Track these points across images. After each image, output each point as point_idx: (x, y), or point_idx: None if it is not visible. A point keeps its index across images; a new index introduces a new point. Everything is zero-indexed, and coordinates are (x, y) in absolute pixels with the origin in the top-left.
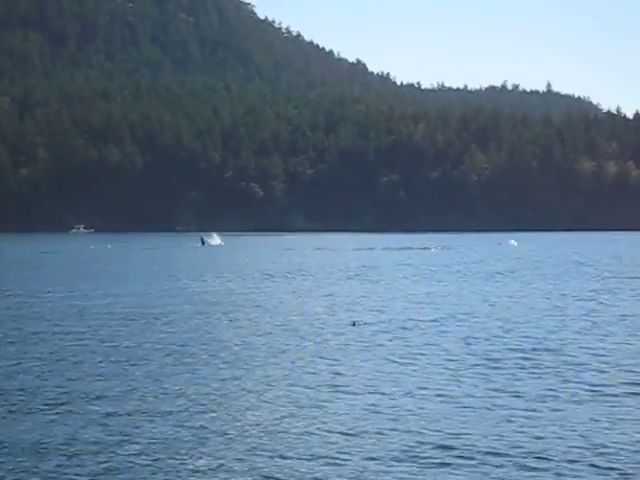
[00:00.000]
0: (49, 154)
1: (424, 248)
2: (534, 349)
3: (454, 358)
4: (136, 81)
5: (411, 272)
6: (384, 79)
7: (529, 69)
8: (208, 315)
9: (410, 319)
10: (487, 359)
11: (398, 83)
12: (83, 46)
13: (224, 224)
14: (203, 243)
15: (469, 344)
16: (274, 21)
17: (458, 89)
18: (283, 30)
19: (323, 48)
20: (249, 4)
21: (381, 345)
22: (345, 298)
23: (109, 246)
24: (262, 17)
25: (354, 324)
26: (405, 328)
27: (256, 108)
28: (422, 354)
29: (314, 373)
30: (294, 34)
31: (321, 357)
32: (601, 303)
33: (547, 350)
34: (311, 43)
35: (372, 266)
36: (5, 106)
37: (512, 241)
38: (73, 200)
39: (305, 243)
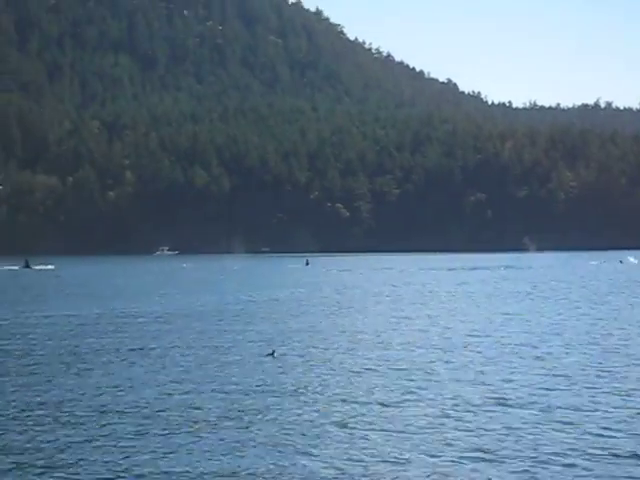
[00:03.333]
0: (136, 177)
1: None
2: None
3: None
4: (224, 103)
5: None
6: (475, 98)
7: (622, 86)
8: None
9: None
10: None
11: (489, 102)
12: (172, 69)
13: (310, 245)
14: (307, 264)
15: None
16: (364, 42)
17: (550, 107)
18: (373, 50)
19: (413, 68)
20: (338, 25)
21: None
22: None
23: (184, 265)
24: (352, 38)
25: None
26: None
27: (343, 129)
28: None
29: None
30: (384, 54)
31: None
32: None
33: None
34: (401, 63)
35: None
36: (95, 130)
37: (631, 258)
38: (158, 222)
39: (400, 264)
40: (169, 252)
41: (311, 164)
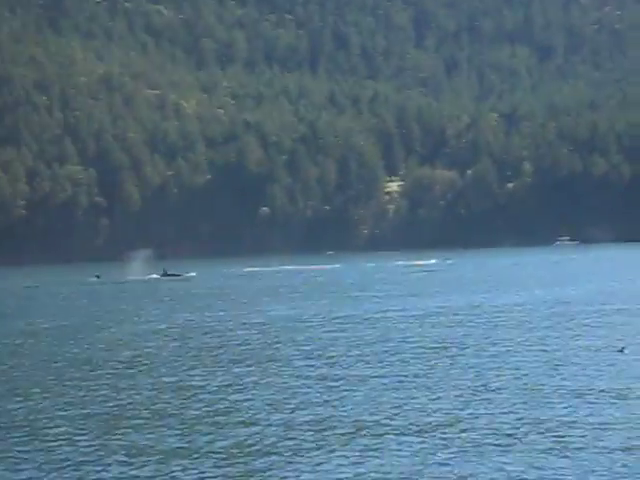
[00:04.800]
0: (534, 167)
1: None
2: None
3: None
4: (623, 90)
5: None
6: None
7: None
8: None
9: None
10: None
11: None
12: (569, 57)
13: None
14: None
15: None
16: None
17: None
18: None
19: None
20: None
21: None
22: None
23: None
24: None
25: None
26: None
27: None
28: None
29: None
30: None
31: None
32: None
33: None
34: None
35: None
36: (492, 122)
37: None
38: (557, 212)
39: None
40: (568, 242)
41: None
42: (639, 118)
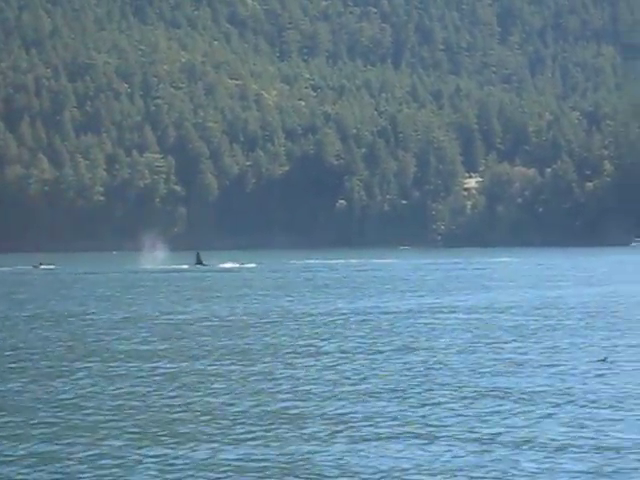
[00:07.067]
0: (615, 167)
1: None
2: None
3: None
4: None
5: None
6: None
7: None
8: None
9: None
10: None
11: None
12: None
13: None
14: None
15: None
16: None
17: None
18: None
19: None
20: None
21: None
22: None
23: None
24: None
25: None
26: None
27: None
28: None
29: None
30: None
31: None
32: None
33: None
34: None
35: None
36: (574, 120)
37: None
38: (636, 212)
39: None
40: None
41: None
42: None
